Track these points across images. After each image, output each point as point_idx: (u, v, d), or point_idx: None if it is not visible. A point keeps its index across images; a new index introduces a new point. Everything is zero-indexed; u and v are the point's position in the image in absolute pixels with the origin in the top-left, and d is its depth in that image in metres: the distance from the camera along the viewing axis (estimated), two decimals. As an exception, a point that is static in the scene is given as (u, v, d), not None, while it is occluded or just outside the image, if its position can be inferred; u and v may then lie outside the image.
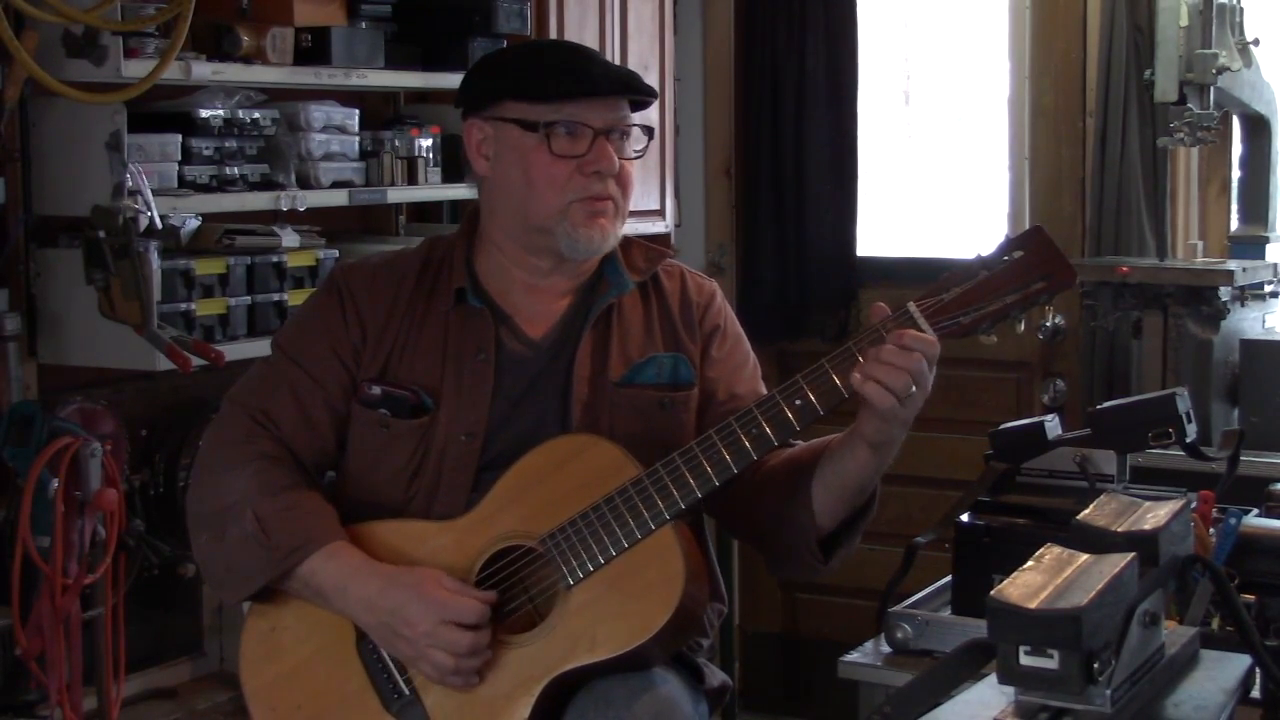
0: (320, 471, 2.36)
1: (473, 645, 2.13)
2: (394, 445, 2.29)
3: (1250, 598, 2.43)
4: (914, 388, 2.03)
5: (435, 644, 2.13)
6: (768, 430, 2.12)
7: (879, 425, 2.08)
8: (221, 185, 3.33)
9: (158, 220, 3.07)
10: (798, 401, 2.11)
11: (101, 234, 3.03)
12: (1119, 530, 1.77)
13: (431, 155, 3.82)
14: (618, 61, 4.20)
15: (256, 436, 2.29)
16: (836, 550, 2.23)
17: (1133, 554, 1.67)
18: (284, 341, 2.38)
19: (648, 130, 2.32)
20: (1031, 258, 2.09)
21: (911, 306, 2.09)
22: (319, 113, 3.56)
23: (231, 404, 2.35)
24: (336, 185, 3.59)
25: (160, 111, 3.28)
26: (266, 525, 2.20)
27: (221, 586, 2.29)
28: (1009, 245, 2.10)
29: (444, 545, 2.22)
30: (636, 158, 2.31)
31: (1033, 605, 1.55)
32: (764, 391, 2.34)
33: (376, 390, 2.30)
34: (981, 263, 2.09)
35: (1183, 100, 3.82)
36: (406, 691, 2.19)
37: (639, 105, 2.32)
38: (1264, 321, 4.04)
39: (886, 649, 2.73)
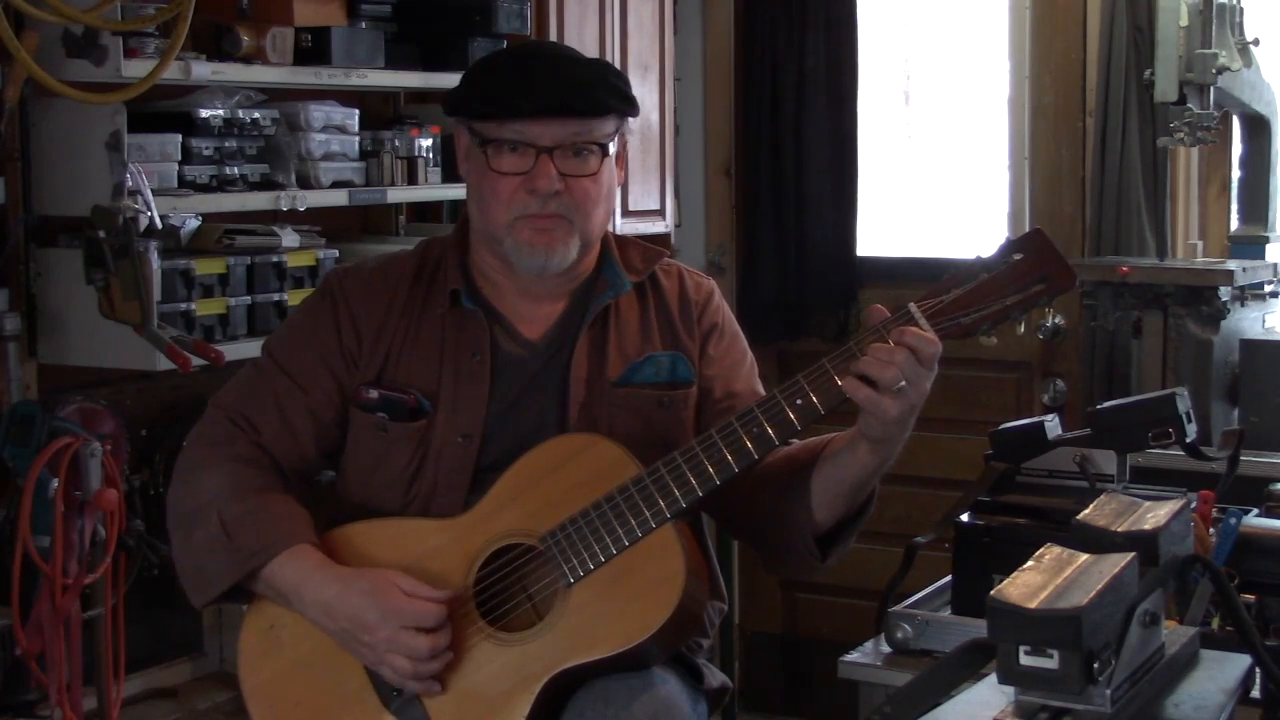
0: (301, 478, 2.35)
1: (431, 649, 2.12)
2: (393, 449, 2.29)
3: (1250, 598, 2.43)
4: (902, 381, 2.03)
5: (394, 649, 2.13)
6: (769, 430, 2.12)
7: (872, 422, 2.08)
8: (221, 185, 3.33)
9: (158, 220, 3.07)
10: (799, 401, 2.11)
11: (101, 234, 3.03)
12: (1119, 530, 1.77)
13: (431, 155, 3.82)
14: (617, 62, 4.20)
15: (234, 439, 2.29)
16: (833, 549, 2.23)
17: (1133, 554, 1.67)
18: (273, 347, 2.38)
19: (601, 148, 2.26)
20: (1031, 260, 2.09)
21: (912, 307, 2.09)
22: (319, 113, 3.56)
23: (214, 407, 2.35)
24: (336, 185, 3.59)
25: (160, 111, 3.28)
26: (230, 528, 2.20)
27: (191, 588, 2.28)
28: (1009, 247, 2.10)
29: (443, 544, 2.22)
30: (590, 175, 2.25)
31: (1033, 605, 1.55)
32: (761, 389, 2.35)
33: (374, 394, 2.30)
34: (982, 264, 2.10)
35: (1183, 100, 3.82)
36: (405, 689, 2.19)
37: (626, 113, 2.31)
38: (1264, 321, 4.04)
39: (886, 649, 2.73)
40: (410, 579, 2.16)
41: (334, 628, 2.17)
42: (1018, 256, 2.09)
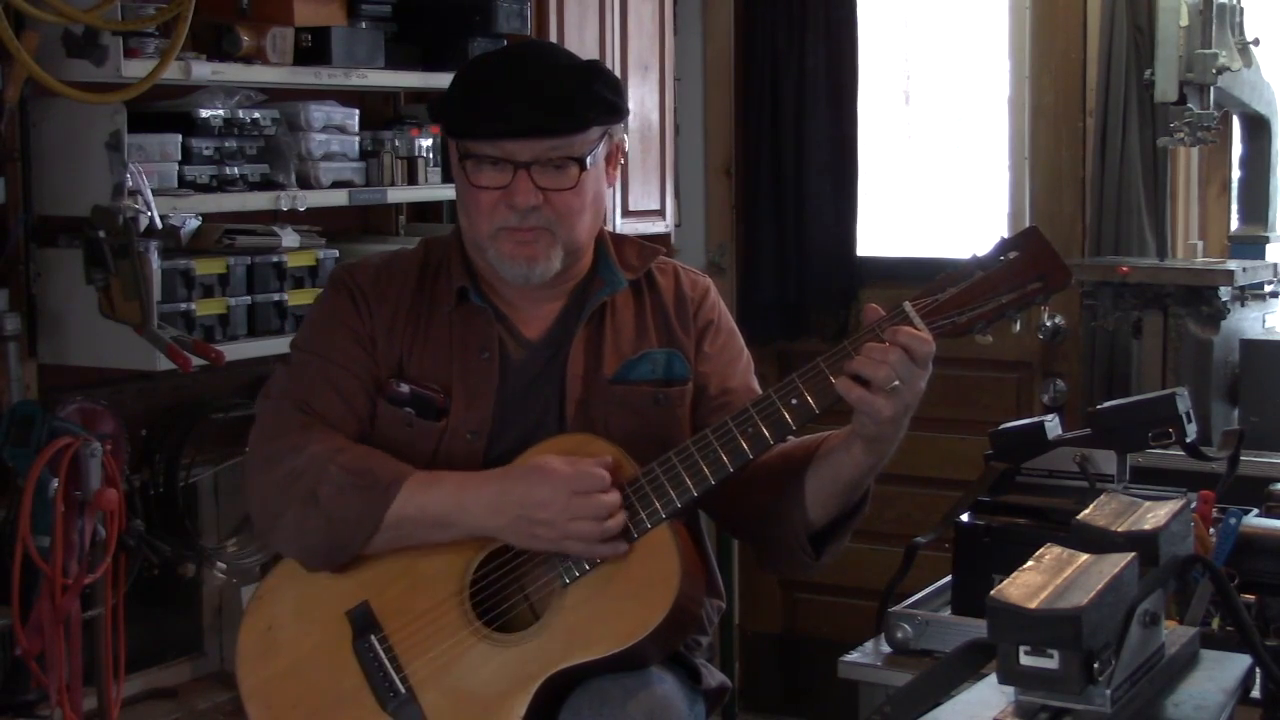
0: None
1: (611, 506, 2.11)
2: (414, 445, 2.28)
3: (1250, 598, 2.43)
4: (895, 381, 2.03)
5: (575, 515, 2.11)
6: (764, 430, 2.12)
7: (866, 421, 2.08)
8: (221, 185, 3.32)
9: (158, 220, 3.07)
10: (794, 401, 2.11)
11: (101, 234, 3.03)
12: (1119, 530, 1.77)
13: (431, 155, 3.82)
14: (617, 62, 4.21)
15: (309, 425, 2.25)
16: (827, 547, 2.23)
17: (1133, 554, 1.67)
18: (304, 343, 2.37)
19: (579, 161, 2.24)
20: (1027, 258, 2.09)
21: (907, 306, 2.09)
22: (319, 113, 3.56)
23: (271, 400, 2.31)
24: (336, 185, 3.59)
25: (160, 111, 3.29)
26: (356, 469, 2.18)
27: (329, 549, 2.21)
28: (1004, 246, 2.11)
29: (440, 545, 2.21)
30: (570, 188, 2.23)
31: (1033, 605, 1.55)
32: (756, 387, 2.36)
33: (405, 389, 2.30)
34: (977, 263, 2.10)
35: (1183, 100, 3.82)
36: (403, 690, 2.19)
37: (611, 121, 2.29)
38: (1264, 321, 4.04)
39: (886, 649, 2.72)
40: (560, 455, 2.16)
41: (503, 522, 2.15)
42: (1013, 255, 2.10)
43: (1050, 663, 1.55)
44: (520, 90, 2.23)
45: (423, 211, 4.25)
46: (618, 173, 2.38)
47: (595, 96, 2.25)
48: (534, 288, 2.31)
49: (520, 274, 2.27)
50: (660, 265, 2.42)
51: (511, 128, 2.21)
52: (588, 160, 2.25)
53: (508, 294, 2.34)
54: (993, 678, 1.63)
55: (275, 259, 3.41)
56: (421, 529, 2.19)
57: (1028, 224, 4.14)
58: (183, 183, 3.25)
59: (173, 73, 3.09)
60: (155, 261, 3.08)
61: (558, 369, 2.31)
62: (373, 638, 2.21)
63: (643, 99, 4.35)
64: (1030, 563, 1.66)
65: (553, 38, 3.98)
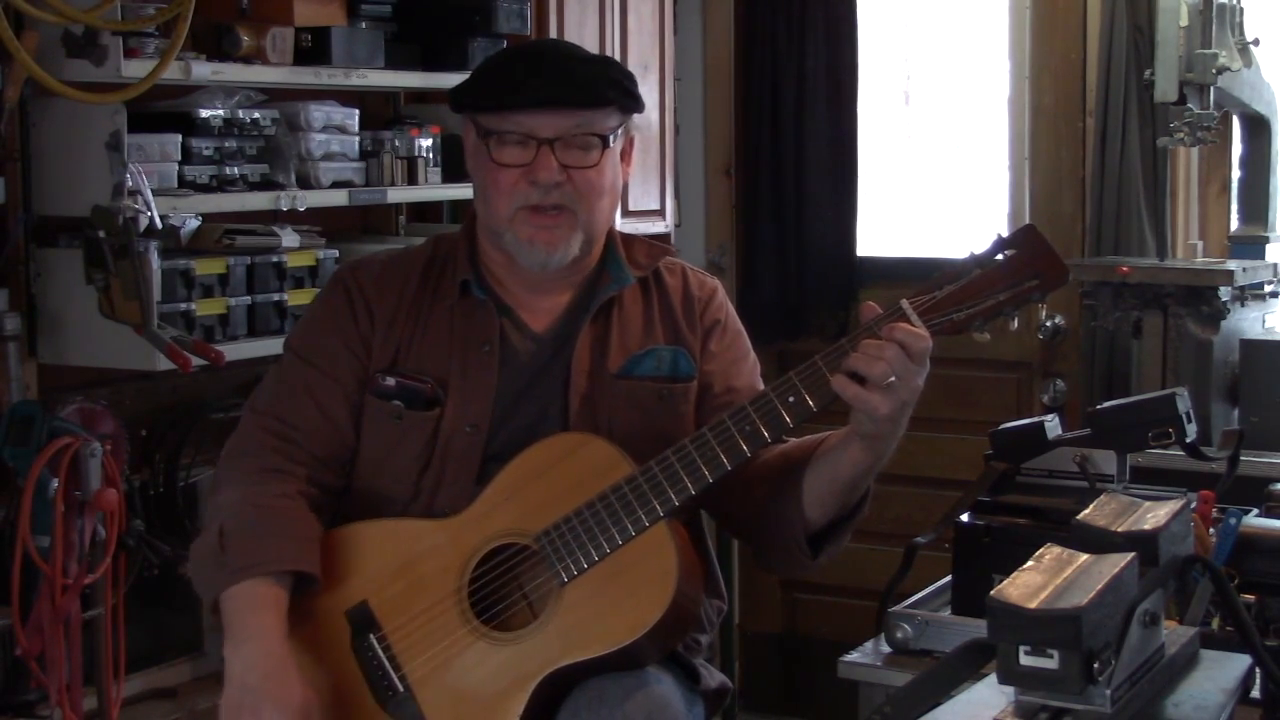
0: (343, 467, 2.33)
1: None
2: (406, 437, 2.29)
3: (1250, 598, 2.43)
4: (891, 377, 2.03)
5: None
6: (761, 428, 2.12)
7: (863, 419, 2.08)
8: (221, 185, 3.33)
9: (158, 220, 3.07)
10: (791, 399, 2.12)
11: (101, 234, 3.03)
12: (1119, 530, 1.77)
13: (431, 155, 3.83)
14: (618, 58, 4.20)
15: (264, 451, 2.28)
16: (825, 547, 2.23)
17: (1133, 554, 1.67)
18: (295, 344, 2.39)
19: (602, 140, 2.26)
20: (1024, 256, 2.10)
21: (904, 303, 2.10)
22: (319, 113, 3.56)
23: (251, 414, 2.35)
24: (336, 185, 3.59)
25: (160, 111, 3.29)
26: (231, 541, 2.19)
27: (200, 593, 2.28)
28: (1001, 244, 2.11)
29: (438, 544, 2.22)
30: (592, 167, 2.26)
31: (1033, 605, 1.55)
32: (761, 387, 2.35)
33: (390, 382, 2.30)
34: (974, 261, 2.11)
35: (1183, 100, 3.82)
36: (401, 688, 2.18)
37: (630, 107, 2.32)
38: (1264, 321, 4.04)
39: (886, 649, 2.73)
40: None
41: (230, 691, 2.12)
42: (1010, 252, 2.10)
43: (1050, 663, 1.55)
44: (545, 67, 2.27)
45: (423, 211, 4.25)
46: (632, 169, 2.41)
47: (614, 80, 2.30)
48: (542, 280, 2.32)
49: (539, 259, 2.27)
50: (668, 265, 2.43)
51: (534, 99, 2.23)
52: (609, 139, 2.27)
53: (514, 287, 2.35)
54: (993, 678, 1.63)
55: (275, 259, 3.41)
56: (224, 631, 2.19)
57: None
58: (183, 183, 3.25)
59: (173, 73, 3.09)
60: (155, 261, 3.08)
61: (563, 362, 2.32)
62: (371, 637, 2.21)
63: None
64: (1030, 563, 1.66)
65: (552, 38, 3.98)
